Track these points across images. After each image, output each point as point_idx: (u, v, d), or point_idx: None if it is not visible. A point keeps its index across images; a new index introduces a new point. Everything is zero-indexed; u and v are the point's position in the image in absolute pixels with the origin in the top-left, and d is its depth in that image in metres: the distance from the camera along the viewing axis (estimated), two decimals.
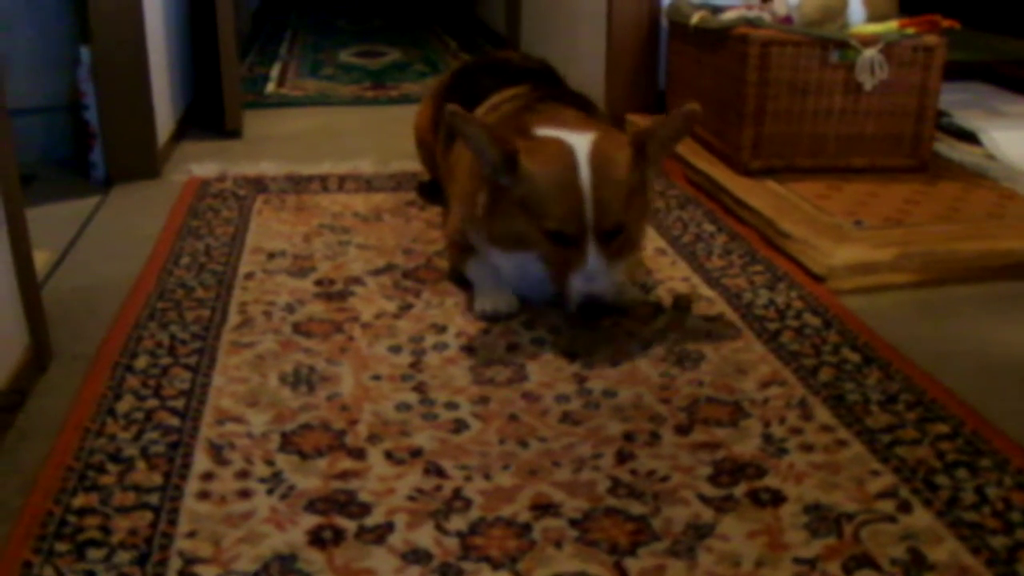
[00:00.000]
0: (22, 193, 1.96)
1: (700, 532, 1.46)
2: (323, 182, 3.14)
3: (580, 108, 2.38)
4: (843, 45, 2.91)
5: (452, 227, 2.37)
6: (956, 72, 3.17)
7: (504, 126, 2.17)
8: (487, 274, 2.25)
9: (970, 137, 3.34)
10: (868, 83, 2.93)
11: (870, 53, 2.90)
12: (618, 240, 2.05)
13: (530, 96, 2.41)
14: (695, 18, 3.23)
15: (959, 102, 3.61)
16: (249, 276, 2.38)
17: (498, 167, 2.04)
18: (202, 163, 3.31)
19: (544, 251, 2.05)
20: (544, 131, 2.12)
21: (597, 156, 2.03)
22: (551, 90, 2.54)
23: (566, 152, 2.03)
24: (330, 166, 3.31)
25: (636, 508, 1.52)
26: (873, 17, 3.03)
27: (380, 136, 3.79)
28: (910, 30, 2.94)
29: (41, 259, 2.30)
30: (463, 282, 2.32)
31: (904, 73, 2.95)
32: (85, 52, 3.09)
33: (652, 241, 2.60)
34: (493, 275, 2.24)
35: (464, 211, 2.26)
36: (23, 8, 3.19)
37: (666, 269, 2.45)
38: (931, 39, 2.93)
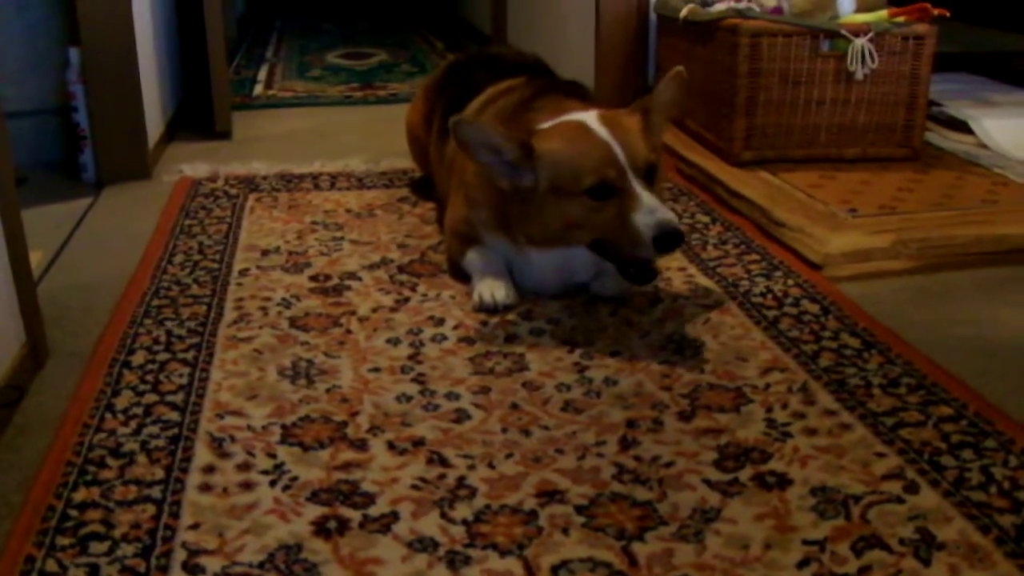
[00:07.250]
0: (16, 192, 1.94)
1: (707, 516, 1.46)
2: (315, 180, 3.13)
3: (578, 98, 2.37)
4: (833, 35, 2.91)
5: (454, 218, 2.35)
6: (943, 64, 3.19)
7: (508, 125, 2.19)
8: (486, 265, 2.24)
9: (961, 126, 3.34)
10: (859, 72, 2.93)
11: (860, 42, 2.90)
12: (654, 179, 2.07)
13: (526, 90, 2.40)
14: (684, 11, 3.23)
15: (949, 92, 3.62)
16: (244, 273, 2.37)
17: (517, 160, 2.05)
18: (193, 164, 3.29)
19: (591, 219, 2.04)
20: (548, 123, 2.14)
21: (606, 118, 2.09)
22: (547, 80, 2.54)
23: (575, 123, 2.09)
24: (321, 165, 3.30)
25: (642, 494, 1.51)
26: (863, 6, 3.03)
27: (370, 135, 3.78)
28: (900, 19, 2.95)
29: (34, 260, 2.28)
30: (463, 276, 2.30)
31: (895, 62, 2.96)
32: (74, 54, 3.07)
33: None
34: (492, 266, 2.23)
35: (475, 214, 2.26)
36: (11, 11, 3.17)
37: (661, 260, 2.43)
38: (921, 28, 2.93)
